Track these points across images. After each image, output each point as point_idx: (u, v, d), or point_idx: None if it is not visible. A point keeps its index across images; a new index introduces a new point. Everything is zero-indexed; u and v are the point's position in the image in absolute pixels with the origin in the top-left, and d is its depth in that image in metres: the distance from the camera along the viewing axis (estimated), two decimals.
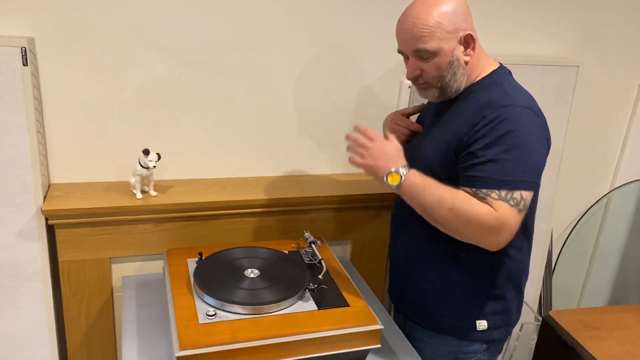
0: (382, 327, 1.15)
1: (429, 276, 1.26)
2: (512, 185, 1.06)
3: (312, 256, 1.37)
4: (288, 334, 1.09)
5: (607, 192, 2.04)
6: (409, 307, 1.35)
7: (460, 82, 1.16)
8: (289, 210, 1.57)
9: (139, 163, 1.42)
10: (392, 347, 1.25)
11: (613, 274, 2.16)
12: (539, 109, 1.14)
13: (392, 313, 1.50)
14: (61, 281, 1.43)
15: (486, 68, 1.18)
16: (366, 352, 1.19)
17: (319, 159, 1.70)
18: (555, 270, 2.03)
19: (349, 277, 1.32)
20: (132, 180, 1.44)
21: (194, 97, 1.51)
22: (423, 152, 1.21)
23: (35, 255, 1.41)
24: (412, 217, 1.18)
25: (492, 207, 1.06)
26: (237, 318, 1.12)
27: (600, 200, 2.03)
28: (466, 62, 1.14)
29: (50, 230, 1.42)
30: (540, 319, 1.62)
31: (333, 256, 1.41)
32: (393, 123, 1.38)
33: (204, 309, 1.14)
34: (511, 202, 1.06)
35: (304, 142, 1.66)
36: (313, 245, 1.37)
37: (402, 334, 1.31)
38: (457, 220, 1.08)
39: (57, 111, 1.42)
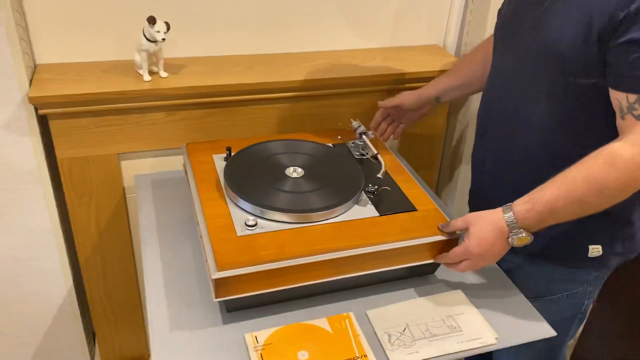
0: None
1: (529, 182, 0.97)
2: None
3: (363, 149, 1.12)
4: (346, 247, 0.88)
5: None
6: None
7: None
8: (328, 94, 1.30)
9: (144, 35, 1.13)
10: None
11: None
12: None
13: None
14: (62, 182, 1.21)
15: None
16: (437, 264, 0.99)
17: (357, 31, 1.40)
18: None
19: (411, 175, 1.08)
20: (137, 57, 1.16)
21: None
22: (543, 30, 0.89)
23: (28, 152, 1.17)
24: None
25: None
26: (282, 228, 0.91)
27: None
28: None
29: (43, 122, 1.17)
30: None
31: (388, 150, 1.16)
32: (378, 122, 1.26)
33: (242, 217, 0.92)
34: None
35: (339, 11, 1.35)
36: (364, 137, 1.12)
37: None
38: (617, 193, 0.82)
39: None
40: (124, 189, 1.27)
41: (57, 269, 1.31)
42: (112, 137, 1.20)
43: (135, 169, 1.26)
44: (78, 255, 1.31)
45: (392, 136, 1.28)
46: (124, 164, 1.25)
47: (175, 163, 1.27)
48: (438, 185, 1.65)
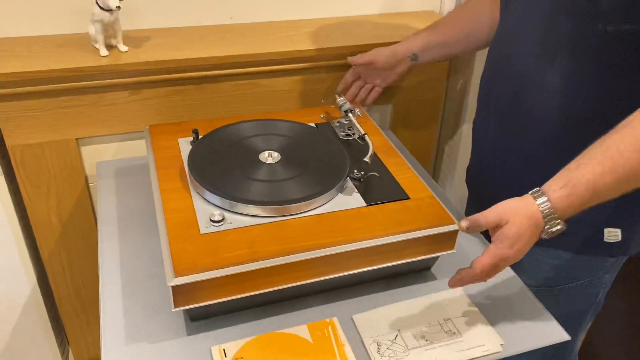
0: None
1: (541, 154, 0.85)
2: None
3: (349, 129, 1.00)
4: (328, 244, 0.76)
5: None
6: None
7: None
8: (312, 67, 1.16)
9: (97, 3, 0.99)
10: (465, 250, 0.93)
11: None
12: None
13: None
14: (15, 172, 1.08)
15: None
16: (434, 259, 0.87)
17: None
18: None
19: (403, 157, 0.95)
20: (92, 29, 1.03)
21: None
22: None
23: None
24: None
25: None
26: (254, 223, 0.78)
27: None
28: None
29: None
30: None
31: (377, 129, 1.03)
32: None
33: (207, 211, 0.79)
34: None
35: None
36: (351, 115, 0.99)
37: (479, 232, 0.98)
38: None
39: None
40: (86, 177, 1.15)
41: (19, 266, 1.20)
42: (68, 121, 1.07)
43: (98, 155, 1.13)
44: (40, 251, 1.20)
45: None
46: (85, 149, 1.12)
47: (142, 148, 1.14)
48: (435, 164, 1.52)
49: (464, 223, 0.71)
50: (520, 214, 0.68)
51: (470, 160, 1.04)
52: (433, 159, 1.48)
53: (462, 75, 1.35)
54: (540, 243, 0.88)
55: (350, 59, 1.10)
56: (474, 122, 1.00)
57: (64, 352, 1.37)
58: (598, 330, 1.43)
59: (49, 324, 1.29)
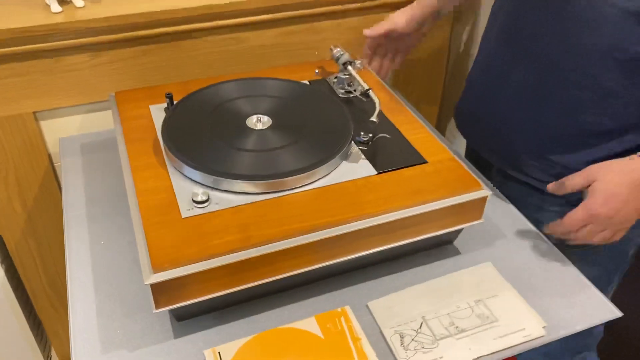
0: (490, 192, 0.69)
1: (579, 106, 0.75)
2: None
3: (349, 85, 0.86)
4: (335, 222, 0.63)
5: None
6: (510, 160, 0.86)
7: None
8: (302, 15, 1.01)
9: None
10: (491, 218, 0.80)
11: None
12: None
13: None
14: None
15: None
16: (458, 232, 0.75)
17: None
18: None
19: (413, 114, 0.82)
20: None
21: None
22: None
23: None
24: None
25: None
26: (245, 202, 0.65)
27: None
28: None
29: None
30: None
31: (381, 83, 0.90)
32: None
33: (188, 190, 0.66)
34: None
35: None
36: (350, 68, 0.85)
37: (503, 197, 0.86)
38: None
39: None
40: (49, 156, 1.00)
41: None
42: (21, 91, 0.92)
43: (61, 130, 0.99)
44: (5, 242, 1.06)
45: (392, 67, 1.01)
46: (45, 124, 0.98)
47: (111, 119, 0.99)
48: (439, 123, 1.39)
49: (551, 185, 0.73)
50: (613, 170, 0.67)
51: (463, 103, 0.93)
52: (437, 117, 1.35)
53: (468, 20, 1.20)
54: (565, 200, 0.78)
55: (366, 32, 0.94)
56: (482, 58, 0.88)
57: (44, 350, 1.26)
58: (625, 289, 1.34)
59: (25, 321, 1.17)
